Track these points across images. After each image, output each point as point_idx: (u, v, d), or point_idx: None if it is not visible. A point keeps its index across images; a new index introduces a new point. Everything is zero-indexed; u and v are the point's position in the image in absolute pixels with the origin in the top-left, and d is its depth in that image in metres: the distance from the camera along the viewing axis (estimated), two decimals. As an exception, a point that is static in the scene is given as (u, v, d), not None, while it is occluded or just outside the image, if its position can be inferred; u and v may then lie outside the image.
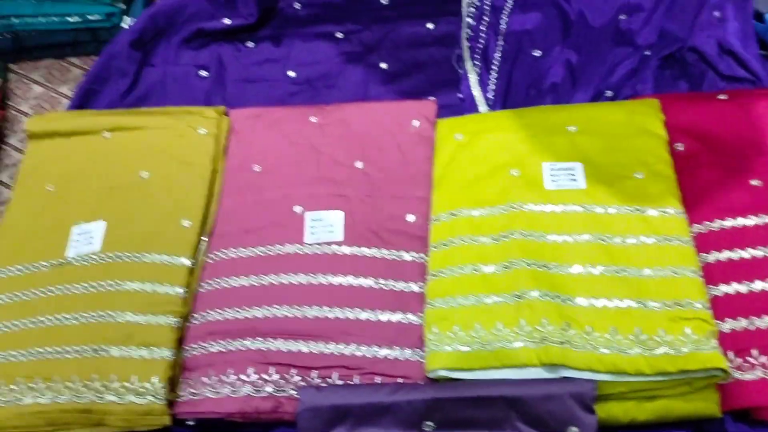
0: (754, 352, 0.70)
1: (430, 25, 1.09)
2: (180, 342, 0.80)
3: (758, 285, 0.73)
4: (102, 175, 0.93)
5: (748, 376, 0.69)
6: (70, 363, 0.78)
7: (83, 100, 1.05)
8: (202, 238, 0.87)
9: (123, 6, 1.14)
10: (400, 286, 0.80)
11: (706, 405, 0.69)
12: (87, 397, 0.76)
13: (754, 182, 0.80)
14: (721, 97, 0.89)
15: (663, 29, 1.00)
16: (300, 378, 0.75)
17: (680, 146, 0.86)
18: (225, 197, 0.90)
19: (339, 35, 1.10)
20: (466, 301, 0.77)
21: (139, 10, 1.15)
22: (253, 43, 1.11)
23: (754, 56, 0.95)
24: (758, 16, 1.00)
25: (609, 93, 0.96)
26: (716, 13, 0.98)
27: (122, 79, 1.07)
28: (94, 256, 0.85)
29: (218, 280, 0.83)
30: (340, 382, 0.75)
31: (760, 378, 0.69)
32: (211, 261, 0.85)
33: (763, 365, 0.69)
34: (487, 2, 1.09)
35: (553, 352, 0.70)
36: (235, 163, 0.93)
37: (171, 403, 0.77)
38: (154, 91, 1.06)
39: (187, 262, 0.84)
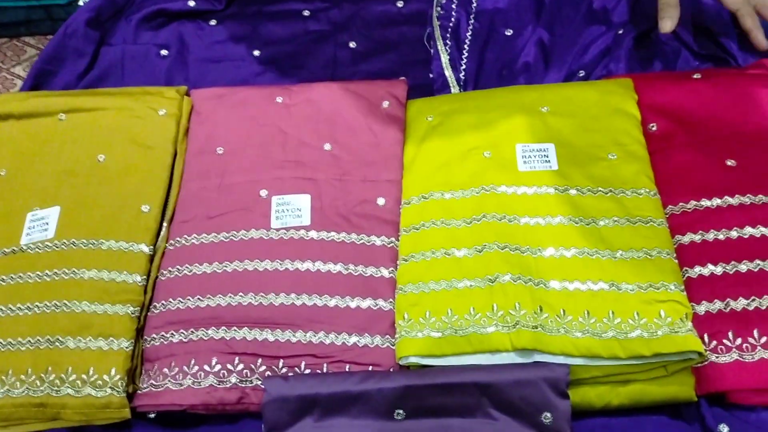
0: (730, 334, 0.69)
1: (399, 3, 1.06)
2: (140, 332, 0.77)
3: (733, 267, 0.72)
4: (57, 159, 0.88)
5: (724, 359, 0.68)
6: (24, 355, 0.75)
7: (38, 81, 1.00)
8: (162, 224, 0.84)
9: (78, -18, 1.10)
10: (370, 271, 0.78)
11: (681, 389, 0.68)
12: (42, 390, 0.73)
13: (729, 162, 0.79)
14: (696, 76, 0.88)
15: (637, 8, 0.98)
16: (266, 368, 0.73)
17: (654, 126, 0.84)
18: (186, 181, 0.86)
19: (306, 13, 1.07)
20: (437, 286, 0.74)
21: (96, -13, 1.10)
22: (216, 21, 1.06)
23: (729, 34, 0.93)
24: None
25: (582, 73, 0.94)
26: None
27: (79, 59, 1.02)
28: (49, 244, 0.81)
29: (180, 268, 0.80)
30: (309, 371, 0.72)
31: (735, 360, 0.68)
32: (171, 248, 0.82)
33: (738, 348, 0.68)
34: (459, -21, 1.06)
35: (525, 337, 0.69)
36: (197, 146, 0.89)
37: (131, 396, 0.73)
38: (112, 71, 1.02)
39: (146, 249, 0.80)
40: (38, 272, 0.79)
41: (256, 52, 1.03)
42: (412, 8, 1.05)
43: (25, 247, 0.81)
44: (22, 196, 0.86)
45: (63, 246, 0.80)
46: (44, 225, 0.83)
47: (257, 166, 0.86)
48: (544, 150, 0.82)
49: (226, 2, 1.07)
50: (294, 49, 1.03)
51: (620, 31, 0.97)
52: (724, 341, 0.69)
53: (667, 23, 0.84)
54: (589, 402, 0.69)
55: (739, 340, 0.68)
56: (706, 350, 0.68)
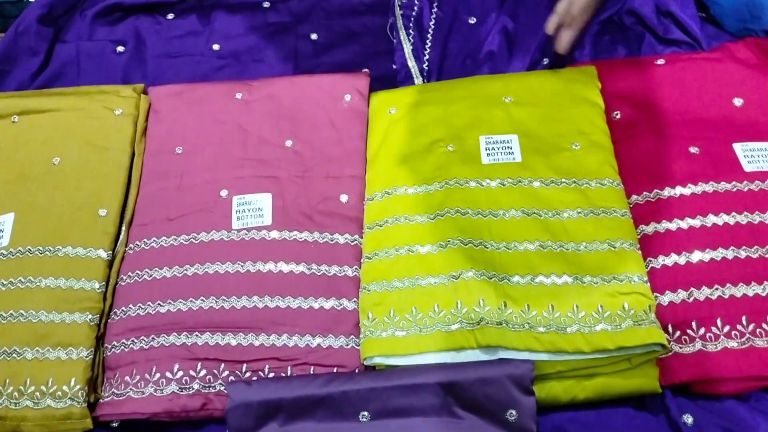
0: (693, 324, 0.69)
1: (360, -7, 1.04)
2: (100, 340, 0.75)
3: (696, 256, 0.72)
4: (11, 163, 0.86)
5: (687, 350, 0.68)
6: (-19, 368, 0.73)
7: (-11, 82, 0.98)
8: (121, 227, 0.82)
9: (29, -22, 1.06)
10: (334, 270, 0.77)
11: (646, 381, 0.68)
12: (1, 403, 0.71)
13: (692, 149, 0.78)
14: (659, 62, 0.87)
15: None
16: (229, 373, 0.71)
17: (618, 114, 0.84)
18: (145, 183, 0.84)
19: (266, 5, 1.04)
20: (401, 284, 0.74)
21: (48, -17, 1.07)
22: (173, 15, 1.04)
23: (693, 17, 0.93)
24: (696, -22, 0.97)
25: (546, 60, 0.93)
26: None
27: (32, 57, 0.99)
28: (4, 252, 0.79)
29: (139, 273, 0.78)
30: (272, 375, 0.71)
31: (699, 351, 0.68)
32: (131, 252, 0.80)
33: (702, 337, 0.68)
34: (421, -33, 1.04)
35: (490, 334, 0.68)
36: (156, 146, 0.87)
37: (93, 405, 0.72)
38: (67, 69, 0.99)
39: (105, 255, 0.78)
40: (-7, 282, 0.77)
41: (216, 46, 1.01)
42: (375, -3, 1.03)
43: (-22, 256, 0.79)
44: (-25, 203, 0.83)
45: (18, 254, 0.78)
46: (-2, 232, 0.80)
47: (217, 165, 0.84)
48: (508, 141, 0.81)
49: None
50: (254, 42, 1.01)
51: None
52: (688, 331, 0.69)
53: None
54: (555, 396, 0.69)
55: (702, 330, 0.68)
56: (669, 341, 0.68)
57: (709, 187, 0.75)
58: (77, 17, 1.04)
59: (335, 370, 0.71)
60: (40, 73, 0.99)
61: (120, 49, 1.00)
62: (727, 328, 0.68)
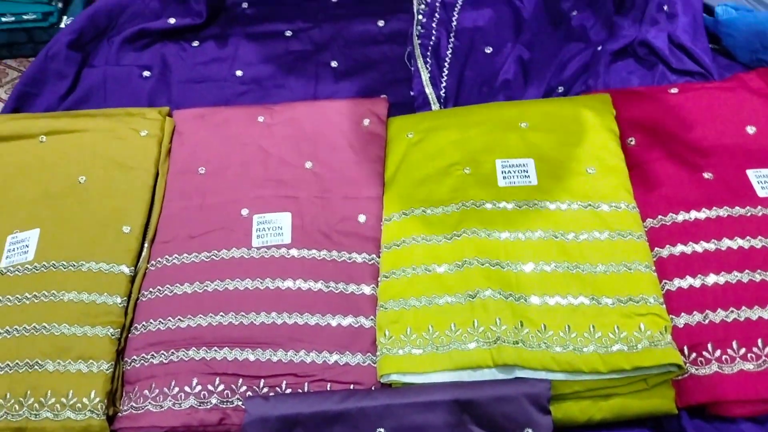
0: (709, 346, 0.69)
1: (380, 23, 1.07)
2: (120, 354, 0.76)
3: (711, 279, 0.72)
4: (38, 181, 0.88)
5: (703, 371, 0.68)
6: (3, 379, 0.74)
7: (19, 104, 1.01)
8: (144, 244, 0.83)
9: (60, 5, 1.10)
10: (351, 288, 0.78)
11: (662, 402, 0.68)
12: (21, 414, 0.72)
13: (706, 175, 0.80)
14: (672, 90, 0.89)
15: (614, 24, 0.99)
16: (247, 388, 0.72)
17: (632, 141, 0.85)
18: (168, 201, 0.86)
19: (288, 33, 1.08)
20: (418, 302, 0.74)
21: (78, 9, 1.11)
22: (198, 42, 1.07)
23: (704, 50, 0.95)
24: (708, 10, 1.00)
25: (561, 89, 0.95)
26: (665, 8, 0.98)
27: (60, 81, 1.02)
28: (29, 266, 0.80)
29: (161, 288, 0.79)
30: (290, 391, 0.72)
31: (715, 373, 0.68)
32: (153, 268, 0.81)
33: (718, 359, 0.68)
34: (438, -1, 1.07)
35: (506, 353, 0.69)
36: (179, 166, 0.89)
37: (111, 418, 0.73)
38: (94, 93, 1.02)
39: (127, 270, 0.80)
40: (18, 295, 0.79)
41: (239, 72, 1.04)
42: (393, 27, 1.06)
43: (4, 270, 0.81)
44: (2, 219, 0.85)
45: (43, 268, 0.80)
46: (24, 247, 0.82)
47: (238, 185, 0.86)
48: (524, 165, 0.82)
49: (206, 16, 1.07)
50: (276, 68, 1.04)
51: (598, 48, 0.98)
52: (704, 353, 0.69)
53: None
54: (572, 417, 0.69)
55: (718, 352, 0.68)
56: (686, 363, 0.68)
57: (723, 212, 0.76)
58: (105, 43, 1.07)
59: (352, 387, 0.72)
60: (67, 95, 1.02)
61: (146, 73, 1.04)
62: (743, 351, 0.68)
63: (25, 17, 1.08)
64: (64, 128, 0.92)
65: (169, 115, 0.95)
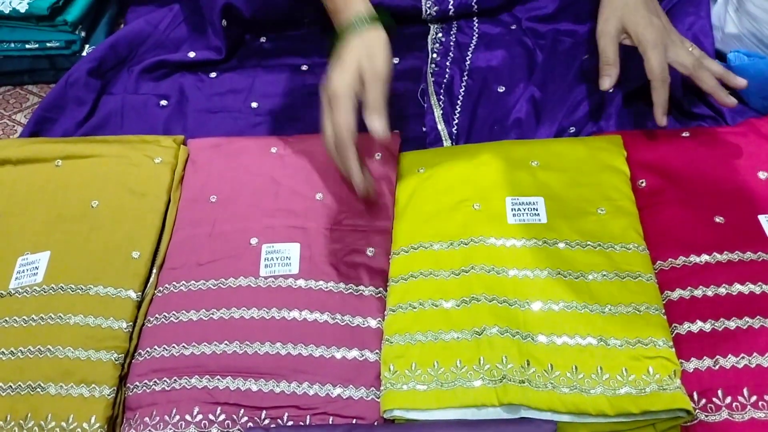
0: (719, 392, 0.68)
1: (395, 60, 1.08)
2: (122, 380, 0.76)
3: (722, 324, 0.71)
4: (51, 204, 0.89)
5: (713, 418, 0.67)
6: (4, 401, 0.73)
7: (38, 128, 1.02)
8: (152, 270, 0.84)
9: (83, 34, 1.12)
10: (357, 321, 0.77)
11: (670, 448, 0.66)
12: (20, 438, 0.71)
13: (717, 219, 0.79)
14: (684, 134, 0.89)
15: (626, 67, 1.00)
16: (248, 418, 0.71)
17: (643, 183, 0.85)
18: (178, 229, 0.87)
19: (304, 68, 1.09)
20: (424, 337, 0.74)
21: (101, 38, 1.13)
22: (216, 74, 1.09)
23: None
24: (720, 56, 1.01)
25: (572, 129, 0.96)
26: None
27: (79, 107, 1.04)
28: (37, 288, 0.81)
29: (166, 315, 0.79)
30: (291, 423, 0.71)
31: (725, 420, 0.66)
32: (160, 294, 0.81)
33: (728, 406, 0.67)
34: (453, 38, 1.09)
35: (512, 392, 0.68)
36: (191, 194, 0.90)
37: (110, 445, 0.72)
38: (111, 119, 1.03)
39: (134, 296, 0.80)
40: (24, 317, 0.79)
41: (254, 104, 1.05)
42: (407, 65, 1.07)
43: (13, 291, 0.81)
44: (14, 240, 0.86)
45: (51, 291, 0.80)
46: (34, 269, 0.83)
47: (249, 214, 0.87)
48: (534, 203, 0.83)
49: (226, 53, 1.10)
50: (291, 101, 1.05)
51: (611, 90, 0.99)
52: (714, 399, 0.67)
53: (606, 81, 0.86)
54: (577, 460, 0.67)
55: (728, 399, 0.67)
56: (695, 408, 0.67)
57: (734, 256, 0.75)
58: (124, 72, 1.09)
59: (354, 421, 0.71)
60: (85, 122, 1.03)
61: (163, 102, 1.05)
62: (754, 398, 0.67)
63: (48, 45, 1.10)
64: (80, 153, 0.93)
65: (184, 143, 0.96)
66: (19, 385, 0.74)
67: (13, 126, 1.11)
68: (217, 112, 1.05)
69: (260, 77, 1.08)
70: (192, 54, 1.09)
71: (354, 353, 0.75)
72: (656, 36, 0.82)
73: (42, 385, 0.74)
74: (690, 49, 0.86)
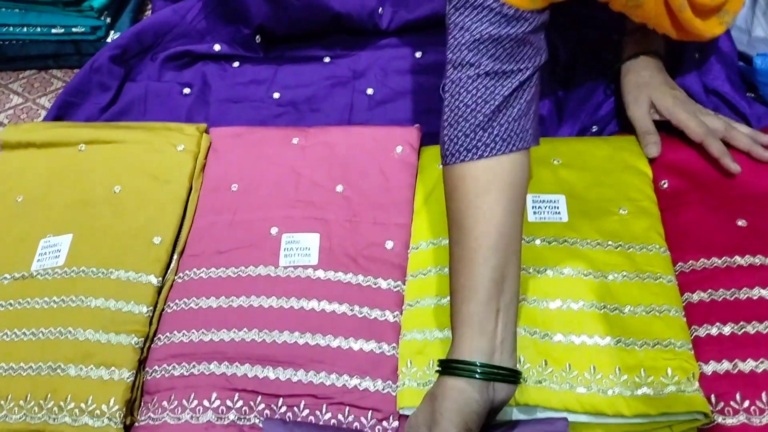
0: (737, 396, 0.67)
1: (418, 54, 1.08)
2: (142, 363, 0.77)
3: (742, 327, 0.71)
4: (74, 188, 0.90)
5: (731, 421, 0.66)
6: (25, 381, 0.75)
7: (61, 113, 1.03)
8: (173, 256, 0.84)
9: (108, 20, 1.13)
10: (375, 314, 0.78)
11: (687, 450, 0.66)
12: (40, 417, 0.72)
13: (740, 222, 0.79)
14: (708, 137, 0.89)
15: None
16: (265, 406, 0.72)
17: (665, 184, 0.85)
18: (199, 216, 0.88)
19: (327, 59, 1.10)
20: (442, 334, 0.74)
21: (126, 24, 1.14)
22: (239, 63, 1.09)
23: (742, 97, 0.94)
24: (745, 59, 1.00)
25: (595, 128, 0.95)
26: (696, 55, 0.98)
27: (103, 93, 1.05)
28: (59, 270, 0.82)
29: (186, 301, 0.80)
30: (307, 411, 0.71)
31: (743, 424, 0.66)
32: (180, 281, 0.82)
33: (746, 410, 0.67)
34: (476, 34, 1.08)
35: (528, 393, 0.68)
36: (213, 182, 0.91)
37: (128, 428, 0.73)
38: (135, 106, 1.04)
39: (155, 281, 0.81)
40: (46, 298, 0.80)
41: (276, 95, 1.05)
42: (430, 59, 1.07)
43: (35, 273, 0.82)
44: (37, 223, 0.87)
45: (72, 273, 0.81)
46: (56, 252, 0.84)
47: (269, 204, 0.87)
48: (555, 201, 0.82)
49: (256, 50, 1.09)
50: (312, 93, 1.05)
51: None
52: (732, 403, 0.67)
53: (653, 149, 0.86)
54: (591, 460, 0.67)
55: (746, 403, 0.67)
56: (712, 411, 0.67)
57: (756, 260, 0.75)
58: (148, 60, 1.10)
59: (370, 413, 0.71)
60: (109, 107, 1.05)
61: (186, 91, 1.06)
62: (773, 403, 0.66)
63: (74, 30, 1.11)
64: (104, 138, 0.94)
65: (207, 132, 0.97)
66: (40, 365, 0.75)
67: (37, 110, 1.12)
68: (240, 102, 1.05)
69: (283, 68, 1.08)
70: (217, 47, 1.09)
71: (371, 345, 0.75)
72: (684, 106, 0.86)
73: (62, 366, 0.75)
74: (714, 115, 0.87)
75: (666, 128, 0.88)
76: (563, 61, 1.03)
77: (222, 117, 1.03)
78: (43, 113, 1.11)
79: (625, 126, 0.94)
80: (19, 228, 0.87)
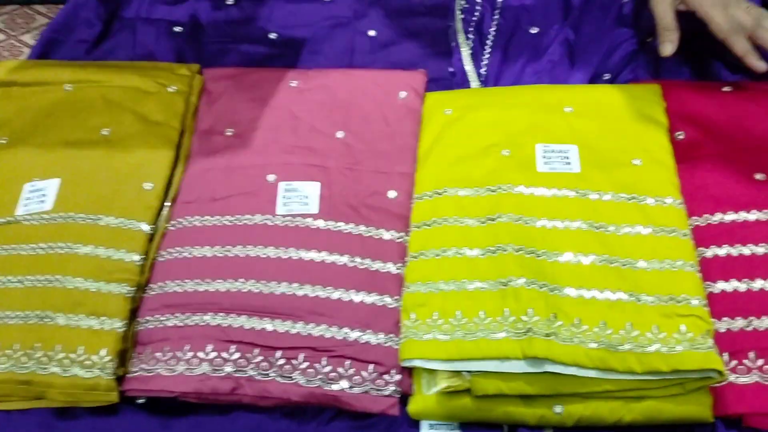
0: (751, 354, 0.65)
1: (421, -5, 1.03)
2: (133, 313, 0.74)
3: (758, 284, 0.69)
4: (60, 130, 0.85)
5: (743, 380, 0.65)
6: (12, 330, 0.72)
7: (46, 50, 0.98)
8: (165, 203, 0.81)
9: (94, -49, 1.06)
10: (377, 265, 0.75)
11: (698, 409, 0.64)
12: (28, 367, 0.70)
13: (758, 176, 0.76)
14: (726, 88, 0.85)
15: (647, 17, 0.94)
16: (263, 358, 0.69)
17: (681, 135, 0.81)
18: (192, 161, 0.84)
19: (327, -2, 1.04)
20: (447, 286, 0.71)
21: (113, -43, 1.07)
22: (233, 1, 1.03)
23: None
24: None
25: (607, 75, 0.91)
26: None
27: (88, 30, 0.99)
28: (45, 216, 0.78)
29: (180, 249, 0.77)
30: (306, 364, 0.69)
31: (756, 383, 0.64)
32: (173, 228, 0.79)
33: (759, 369, 0.65)
34: (484, -27, 1.03)
35: (537, 345, 0.65)
36: (206, 126, 0.86)
37: (120, 379, 0.70)
38: (122, 45, 0.99)
39: (146, 228, 0.77)
40: (32, 244, 0.76)
41: (273, 35, 1.00)
42: (434, 0, 1.02)
43: (20, 218, 0.78)
44: (22, 166, 0.83)
45: (60, 219, 0.77)
46: (42, 196, 0.80)
47: (266, 150, 0.83)
48: (566, 151, 0.79)
49: None
50: (312, 34, 1.00)
51: (648, 39, 0.94)
52: (745, 361, 0.65)
53: (668, 47, 0.82)
54: (600, 417, 0.65)
55: (761, 361, 0.65)
56: (726, 370, 0.65)
57: (775, 215, 0.72)
58: (137, -4, 1.04)
59: (371, 366, 0.69)
60: (95, 46, 0.99)
61: (177, 29, 1.00)
62: (788, 361, 0.64)
63: (57, -39, 1.05)
64: (91, 78, 0.89)
65: (200, 72, 0.92)
66: (28, 314, 0.72)
67: (20, 47, 1.06)
68: (234, 42, 1.00)
69: (280, 6, 1.02)
70: None
71: (373, 298, 0.72)
72: None
73: (51, 315, 0.72)
74: (747, 8, 0.81)
75: (687, 20, 0.83)
76: (576, 4, 0.98)
77: (215, 57, 0.97)
78: (26, 51, 1.05)
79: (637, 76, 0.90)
80: (3, 171, 0.83)
